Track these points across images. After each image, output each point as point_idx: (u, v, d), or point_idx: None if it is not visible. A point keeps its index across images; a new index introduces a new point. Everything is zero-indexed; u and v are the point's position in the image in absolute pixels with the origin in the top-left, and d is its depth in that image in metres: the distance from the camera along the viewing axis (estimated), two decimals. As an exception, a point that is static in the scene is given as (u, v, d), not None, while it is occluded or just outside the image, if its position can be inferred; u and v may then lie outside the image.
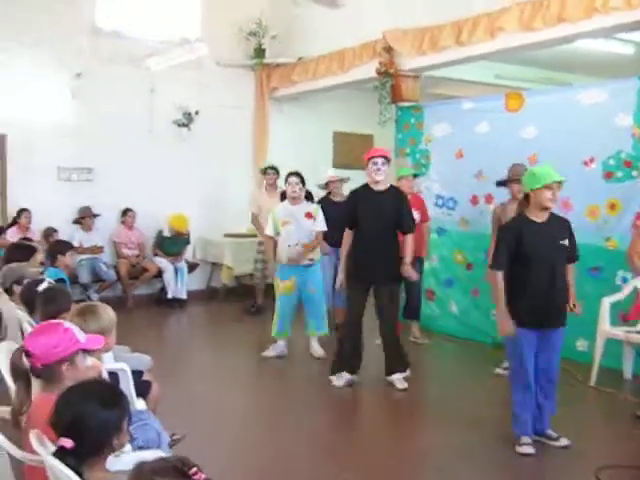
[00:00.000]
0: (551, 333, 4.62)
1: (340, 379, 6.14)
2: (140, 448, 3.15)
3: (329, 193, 8.24)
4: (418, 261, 7.37)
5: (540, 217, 4.58)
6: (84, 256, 9.09)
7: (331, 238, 7.13)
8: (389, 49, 8.39)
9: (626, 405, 5.65)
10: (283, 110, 11.07)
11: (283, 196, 7.23)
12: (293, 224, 6.88)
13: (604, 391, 5.99)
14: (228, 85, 10.50)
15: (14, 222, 8.75)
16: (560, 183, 4.55)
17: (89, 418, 2.30)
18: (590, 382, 6.12)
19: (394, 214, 5.96)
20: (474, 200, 7.91)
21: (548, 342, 4.62)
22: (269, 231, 7.05)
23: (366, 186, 6.07)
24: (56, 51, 9.03)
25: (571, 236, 4.70)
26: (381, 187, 5.99)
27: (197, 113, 10.09)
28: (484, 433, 5.02)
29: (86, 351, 2.89)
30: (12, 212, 8.87)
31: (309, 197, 7.13)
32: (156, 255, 9.81)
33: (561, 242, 4.62)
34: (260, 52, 10.52)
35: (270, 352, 7.14)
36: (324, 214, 7.01)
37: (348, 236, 6.11)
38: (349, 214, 6.08)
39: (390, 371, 6.16)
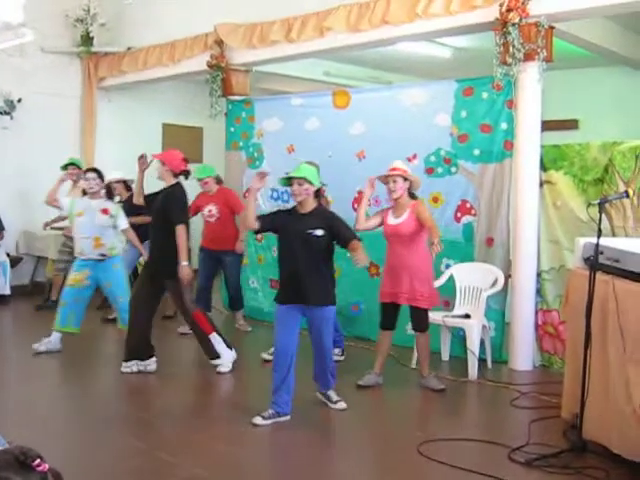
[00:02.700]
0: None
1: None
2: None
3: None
4: (234, 255, 7.82)
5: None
6: None
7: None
8: (220, 42, 8.47)
9: (444, 384, 6.06)
10: (112, 100, 10.82)
11: (84, 193, 7.14)
12: (85, 216, 6.85)
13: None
14: (53, 73, 10.14)
15: None
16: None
17: None
18: (412, 365, 6.52)
19: (162, 213, 6.14)
20: (307, 193, 8.10)
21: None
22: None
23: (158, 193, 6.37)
24: None
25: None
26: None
27: (20, 101, 9.64)
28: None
29: None
30: None
31: (110, 193, 7.22)
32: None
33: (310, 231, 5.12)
34: (87, 40, 10.24)
35: (41, 346, 6.85)
36: None
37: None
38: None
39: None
